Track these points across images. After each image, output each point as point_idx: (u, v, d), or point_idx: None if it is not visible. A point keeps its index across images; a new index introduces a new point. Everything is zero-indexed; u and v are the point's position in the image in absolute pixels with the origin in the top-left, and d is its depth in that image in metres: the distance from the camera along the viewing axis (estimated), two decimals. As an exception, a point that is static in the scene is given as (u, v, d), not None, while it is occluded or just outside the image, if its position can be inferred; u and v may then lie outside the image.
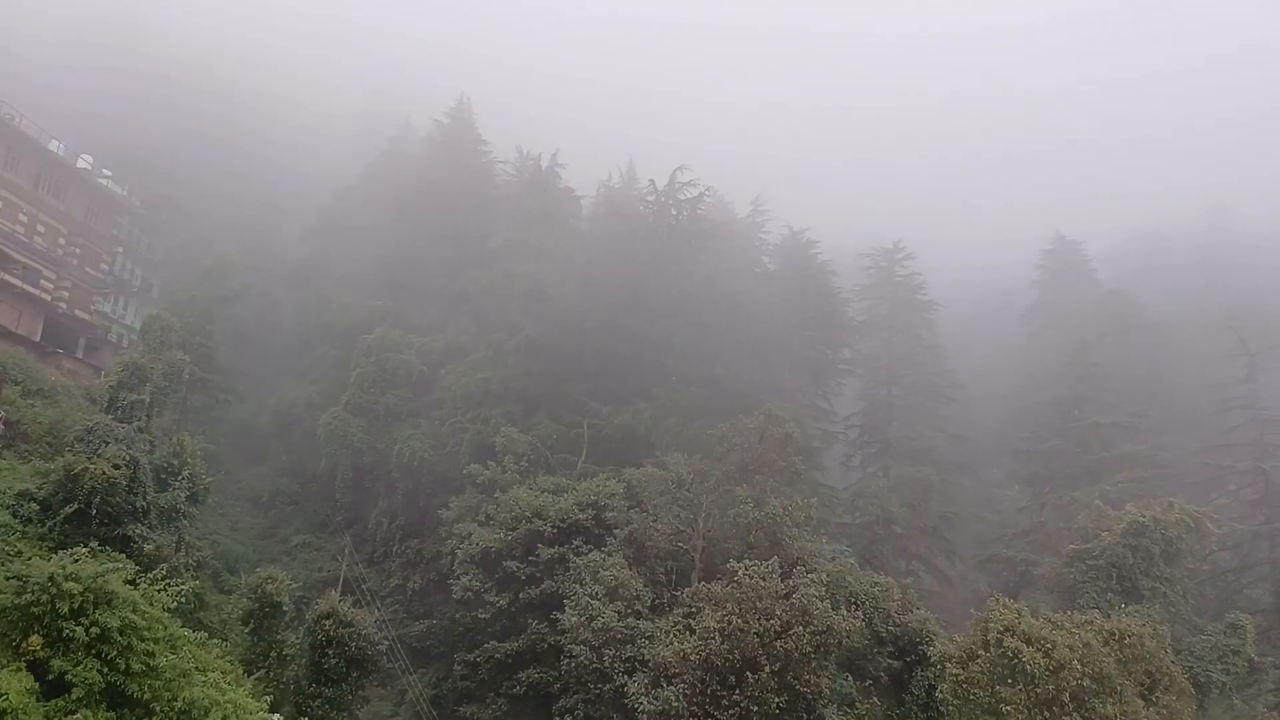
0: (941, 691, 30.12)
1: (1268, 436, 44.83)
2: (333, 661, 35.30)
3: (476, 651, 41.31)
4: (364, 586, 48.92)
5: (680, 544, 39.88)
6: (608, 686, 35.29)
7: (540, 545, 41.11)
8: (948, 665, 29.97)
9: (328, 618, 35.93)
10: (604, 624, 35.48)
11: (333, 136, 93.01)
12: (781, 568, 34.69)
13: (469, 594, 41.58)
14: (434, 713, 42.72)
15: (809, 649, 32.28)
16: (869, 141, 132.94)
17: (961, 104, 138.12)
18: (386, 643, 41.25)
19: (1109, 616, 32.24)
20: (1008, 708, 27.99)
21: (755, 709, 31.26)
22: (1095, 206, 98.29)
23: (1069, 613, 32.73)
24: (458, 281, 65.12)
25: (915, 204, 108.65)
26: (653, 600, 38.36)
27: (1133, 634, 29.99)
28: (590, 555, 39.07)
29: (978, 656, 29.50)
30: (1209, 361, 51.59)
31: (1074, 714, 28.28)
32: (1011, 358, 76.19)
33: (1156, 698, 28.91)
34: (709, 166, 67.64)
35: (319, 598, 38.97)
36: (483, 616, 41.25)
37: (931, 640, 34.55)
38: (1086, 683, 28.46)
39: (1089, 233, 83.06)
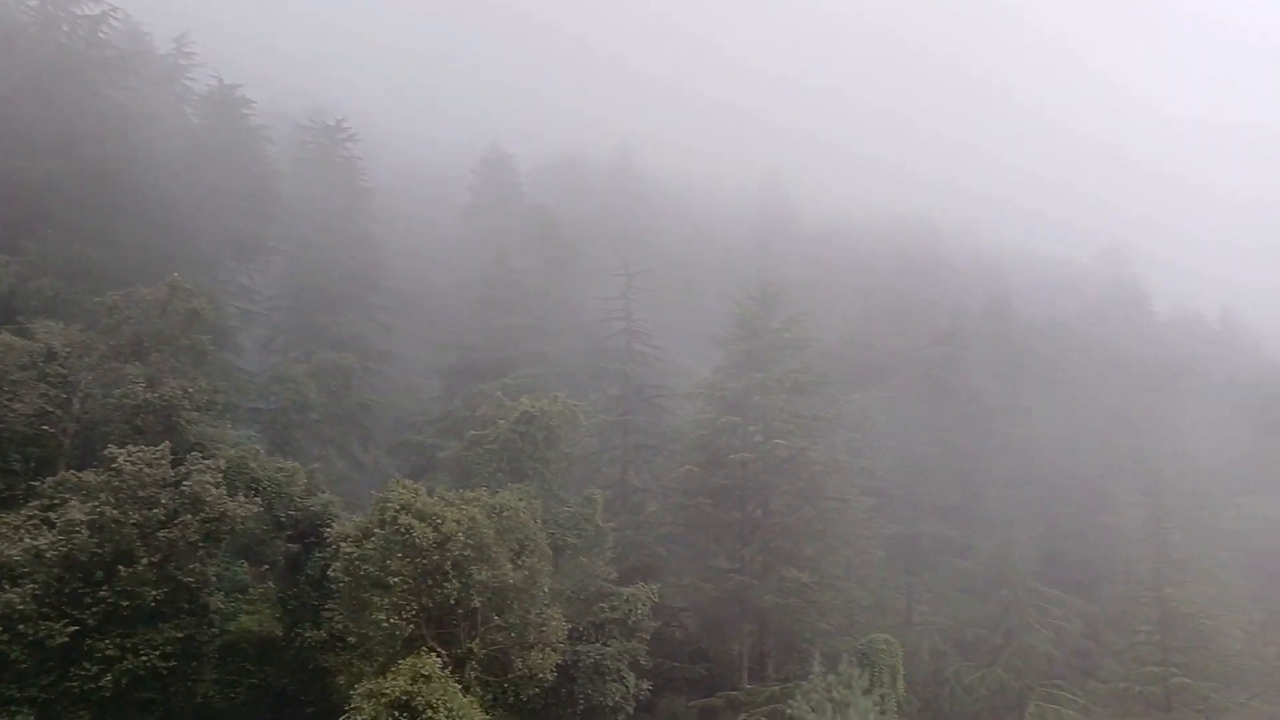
0: (334, 570, 30.92)
1: (634, 344, 54.08)
2: None
3: None
4: None
5: (46, 427, 34.11)
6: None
7: None
8: (342, 545, 30.76)
9: None
10: (-81, 522, 28.95)
11: None
12: (175, 454, 31.98)
13: None
14: None
15: (197, 537, 30.48)
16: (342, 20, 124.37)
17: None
18: None
19: (495, 493, 36.13)
20: (395, 579, 29.79)
21: (126, 604, 28.57)
22: (538, 122, 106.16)
23: (462, 491, 35.95)
24: None
25: (377, 84, 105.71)
26: (4, 492, 32.49)
27: (511, 507, 33.96)
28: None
29: (373, 534, 30.73)
30: (601, 277, 60.04)
31: (454, 579, 31.30)
32: (447, 255, 79.63)
33: (523, 560, 33.32)
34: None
35: None
36: None
37: (332, 522, 35.06)
38: (468, 552, 31.61)
39: (528, 145, 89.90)
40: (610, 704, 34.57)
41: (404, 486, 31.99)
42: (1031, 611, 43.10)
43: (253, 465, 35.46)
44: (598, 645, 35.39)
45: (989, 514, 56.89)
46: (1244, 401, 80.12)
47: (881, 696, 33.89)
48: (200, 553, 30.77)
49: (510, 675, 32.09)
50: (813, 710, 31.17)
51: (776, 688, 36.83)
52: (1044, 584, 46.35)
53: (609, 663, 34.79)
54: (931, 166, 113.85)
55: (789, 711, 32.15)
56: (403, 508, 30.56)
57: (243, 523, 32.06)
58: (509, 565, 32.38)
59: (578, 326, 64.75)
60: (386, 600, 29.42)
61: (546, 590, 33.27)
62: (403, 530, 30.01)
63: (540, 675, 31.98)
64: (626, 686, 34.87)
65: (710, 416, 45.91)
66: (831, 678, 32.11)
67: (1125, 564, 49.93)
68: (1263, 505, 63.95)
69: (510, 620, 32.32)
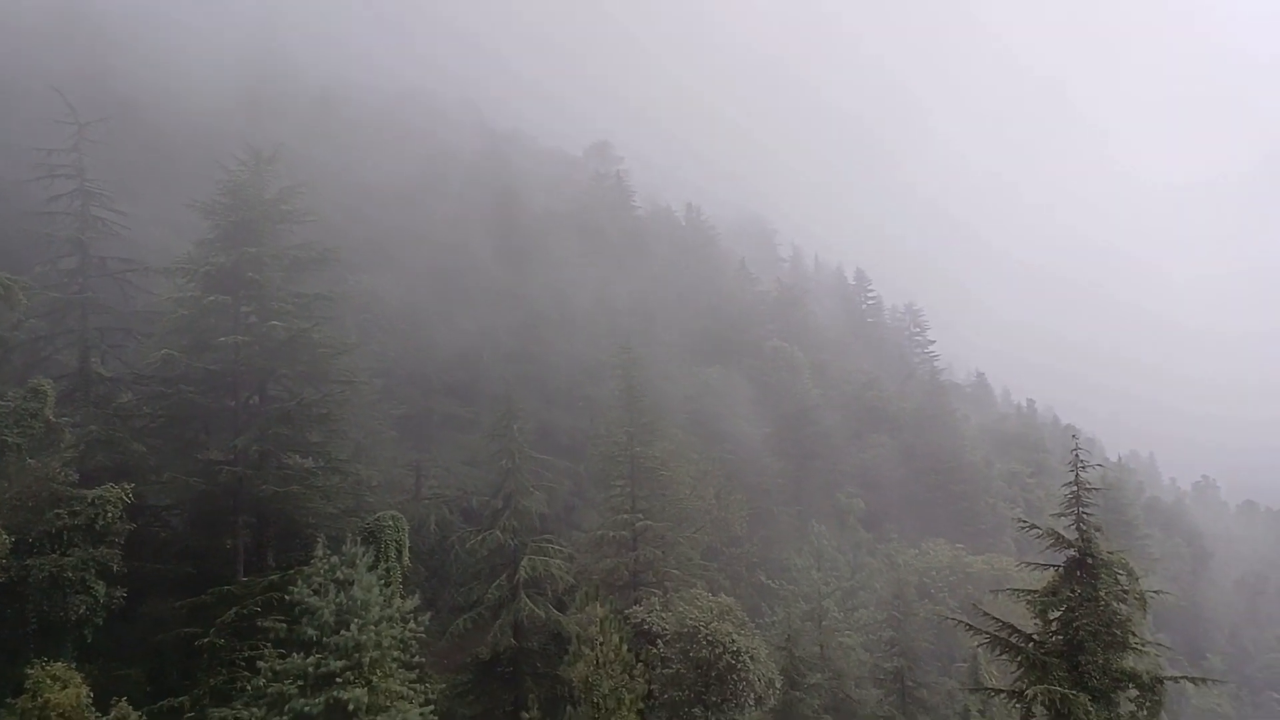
0: None
1: (90, 208, 44.85)
2: None
3: None
4: None
5: None
6: None
7: None
8: None
9: None
10: None
11: None
12: None
13: None
14: None
15: None
16: None
17: None
18: None
19: (-114, 388, 28.05)
20: None
21: None
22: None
23: None
24: None
25: None
26: None
27: (-89, 403, 26.72)
28: None
29: None
30: (43, 125, 48.32)
31: None
32: None
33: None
34: None
35: None
36: None
37: None
38: None
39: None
40: (74, 618, 29.81)
41: None
42: (528, 476, 46.49)
43: None
44: (55, 556, 30.03)
45: (492, 390, 59.66)
46: (696, 288, 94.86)
47: (387, 570, 34.06)
48: None
49: (-76, 608, 25.90)
50: (315, 593, 30.16)
51: (275, 576, 34.92)
52: (539, 451, 50.26)
53: (69, 574, 29.79)
54: (434, 45, 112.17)
55: (288, 597, 30.72)
56: None
57: None
58: (-86, 475, 25.64)
59: (10, 183, 51.99)
60: None
61: (-25, 501, 27.14)
62: None
63: (-30, 602, 26.33)
64: (95, 597, 30.30)
65: (194, 295, 40.44)
66: (335, 559, 31.30)
67: (606, 429, 56.30)
68: (708, 374, 77.01)
69: (-81, 542, 25.88)
